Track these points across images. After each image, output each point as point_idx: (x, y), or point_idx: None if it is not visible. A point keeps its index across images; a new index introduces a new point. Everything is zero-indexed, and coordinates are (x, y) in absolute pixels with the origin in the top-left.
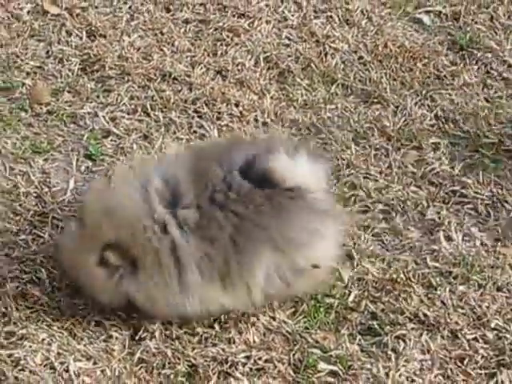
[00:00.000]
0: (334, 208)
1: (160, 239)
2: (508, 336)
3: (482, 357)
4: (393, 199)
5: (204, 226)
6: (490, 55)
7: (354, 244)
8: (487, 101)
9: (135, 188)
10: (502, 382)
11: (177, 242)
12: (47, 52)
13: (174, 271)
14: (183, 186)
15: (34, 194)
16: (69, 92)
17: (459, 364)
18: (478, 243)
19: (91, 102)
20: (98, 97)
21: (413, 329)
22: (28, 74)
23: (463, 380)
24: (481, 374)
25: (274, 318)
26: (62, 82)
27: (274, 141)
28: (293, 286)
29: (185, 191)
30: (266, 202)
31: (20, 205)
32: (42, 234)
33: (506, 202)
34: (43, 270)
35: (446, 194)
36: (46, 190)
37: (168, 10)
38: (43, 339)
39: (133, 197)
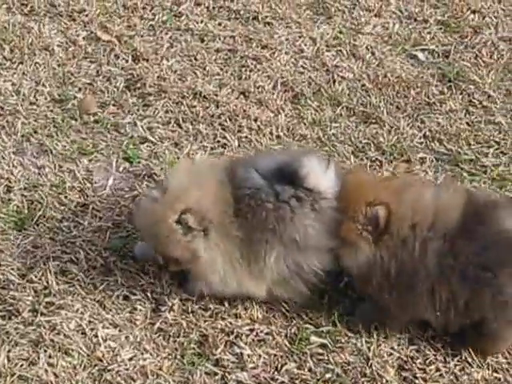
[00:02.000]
0: None
1: (229, 215)
2: None
3: None
4: None
5: (239, 215)
6: (472, 87)
7: None
8: (468, 124)
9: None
10: None
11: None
12: (97, 71)
13: (228, 244)
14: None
15: (78, 188)
16: (113, 105)
17: None
18: None
19: (132, 114)
20: (137, 110)
21: None
22: (80, 89)
23: None
24: None
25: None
26: (108, 97)
27: (303, 150)
28: (298, 282)
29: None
30: (271, 198)
31: (65, 197)
32: (82, 222)
33: None
34: (81, 251)
35: None
36: (89, 185)
37: (202, 40)
38: (77, 309)
39: (218, 179)
